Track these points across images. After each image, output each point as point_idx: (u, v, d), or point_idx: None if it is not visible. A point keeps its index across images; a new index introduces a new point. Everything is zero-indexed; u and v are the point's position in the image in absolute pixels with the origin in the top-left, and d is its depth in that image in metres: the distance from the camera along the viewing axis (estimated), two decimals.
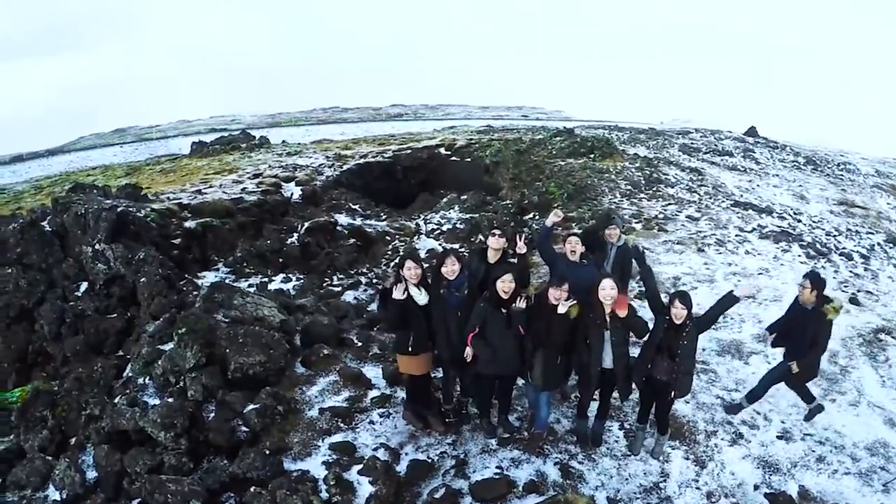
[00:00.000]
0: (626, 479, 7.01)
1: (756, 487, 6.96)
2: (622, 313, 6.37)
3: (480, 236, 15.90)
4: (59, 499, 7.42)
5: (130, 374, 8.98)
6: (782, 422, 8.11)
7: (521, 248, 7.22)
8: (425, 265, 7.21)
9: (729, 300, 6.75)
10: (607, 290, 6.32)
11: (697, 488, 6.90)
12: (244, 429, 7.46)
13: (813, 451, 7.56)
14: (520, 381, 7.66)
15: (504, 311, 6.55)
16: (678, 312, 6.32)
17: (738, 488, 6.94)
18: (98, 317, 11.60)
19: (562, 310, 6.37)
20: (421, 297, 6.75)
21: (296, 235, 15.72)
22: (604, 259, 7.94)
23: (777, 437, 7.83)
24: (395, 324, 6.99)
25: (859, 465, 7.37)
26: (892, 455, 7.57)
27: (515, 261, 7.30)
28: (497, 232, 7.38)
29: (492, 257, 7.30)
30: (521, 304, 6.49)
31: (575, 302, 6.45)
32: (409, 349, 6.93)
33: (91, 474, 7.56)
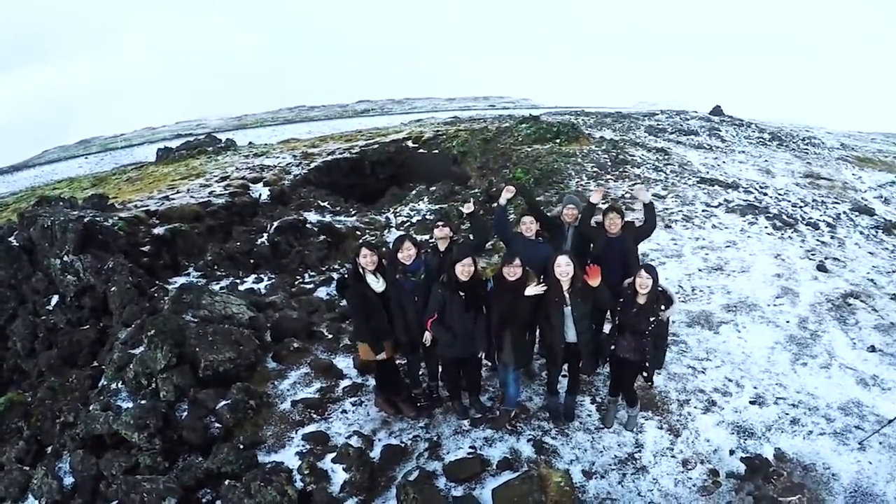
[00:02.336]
0: (601, 451, 7.11)
1: (732, 452, 7.08)
2: (595, 282, 6.43)
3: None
4: None
5: (104, 382, 8.97)
6: (754, 387, 8.24)
7: (469, 207, 7.53)
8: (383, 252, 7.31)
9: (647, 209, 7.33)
10: (563, 266, 6.38)
11: (673, 456, 7.02)
12: (217, 425, 7.52)
13: (786, 414, 7.68)
14: (487, 362, 7.78)
15: (462, 294, 6.61)
16: (642, 282, 6.37)
17: (713, 454, 7.06)
18: (71, 329, 11.57)
19: (530, 292, 6.46)
20: (378, 285, 6.80)
21: (265, 235, 15.67)
22: (561, 241, 7.99)
23: (750, 402, 7.95)
24: (356, 312, 7.01)
25: (834, 425, 7.49)
26: (867, 413, 7.69)
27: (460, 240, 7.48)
28: (441, 223, 7.54)
29: (441, 247, 7.43)
30: (536, 289, 6.52)
31: (544, 285, 6.56)
32: (369, 336, 6.97)
33: (68, 480, 7.57)
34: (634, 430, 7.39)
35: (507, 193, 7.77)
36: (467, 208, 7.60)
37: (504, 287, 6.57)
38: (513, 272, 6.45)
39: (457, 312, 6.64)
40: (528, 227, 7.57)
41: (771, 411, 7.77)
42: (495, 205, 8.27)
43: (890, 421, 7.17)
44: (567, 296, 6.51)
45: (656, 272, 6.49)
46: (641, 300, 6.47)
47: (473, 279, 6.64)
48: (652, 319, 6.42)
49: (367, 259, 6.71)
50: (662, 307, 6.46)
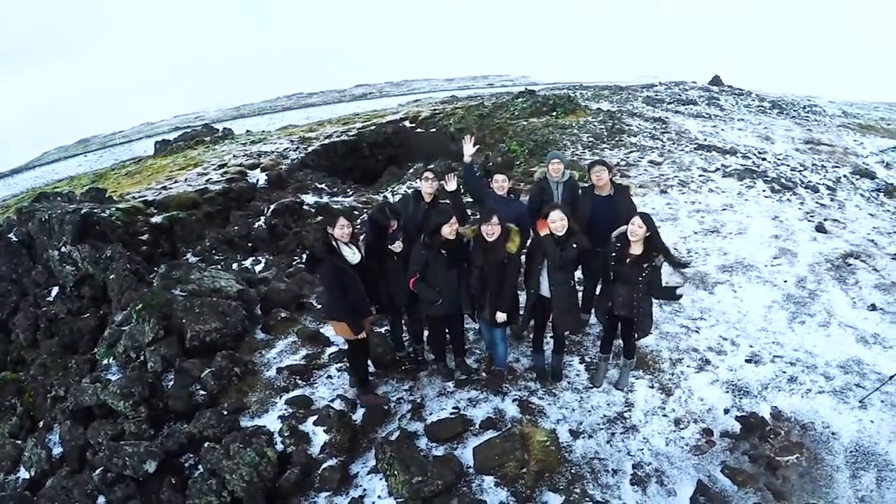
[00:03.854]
0: (589, 411, 7.00)
1: (726, 411, 6.98)
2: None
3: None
4: (28, 477, 7.49)
5: (97, 358, 9.09)
6: (750, 346, 8.13)
7: (451, 185, 7.34)
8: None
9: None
10: (557, 221, 6.24)
11: (664, 416, 6.91)
12: (202, 392, 7.54)
13: (784, 373, 7.56)
14: (473, 324, 7.72)
15: (444, 252, 6.53)
16: (634, 230, 6.13)
17: (707, 413, 6.96)
18: (71, 318, 11.60)
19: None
20: (354, 256, 6.54)
21: (262, 219, 15.64)
22: (552, 200, 7.78)
23: (745, 360, 7.84)
24: (332, 288, 6.64)
25: (833, 383, 7.38)
26: (867, 372, 7.57)
27: (448, 201, 7.38)
28: (430, 175, 7.39)
29: (427, 198, 7.32)
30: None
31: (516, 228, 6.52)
32: (348, 313, 6.68)
33: (57, 450, 7.64)
34: (625, 388, 7.29)
35: (469, 149, 7.68)
36: (450, 185, 7.47)
37: (483, 245, 6.49)
38: (491, 230, 6.36)
39: (440, 271, 6.58)
40: (501, 184, 7.50)
41: (767, 370, 7.65)
42: (462, 163, 8.13)
43: (892, 377, 7.02)
44: (552, 246, 6.38)
45: (652, 221, 6.24)
46: (636, 249, 6.25)
47: (456, 237, 6.57)
48: (645, 266, 6.20)
49: (343, 230, 6.47)
50: (656, 256, 6.21)
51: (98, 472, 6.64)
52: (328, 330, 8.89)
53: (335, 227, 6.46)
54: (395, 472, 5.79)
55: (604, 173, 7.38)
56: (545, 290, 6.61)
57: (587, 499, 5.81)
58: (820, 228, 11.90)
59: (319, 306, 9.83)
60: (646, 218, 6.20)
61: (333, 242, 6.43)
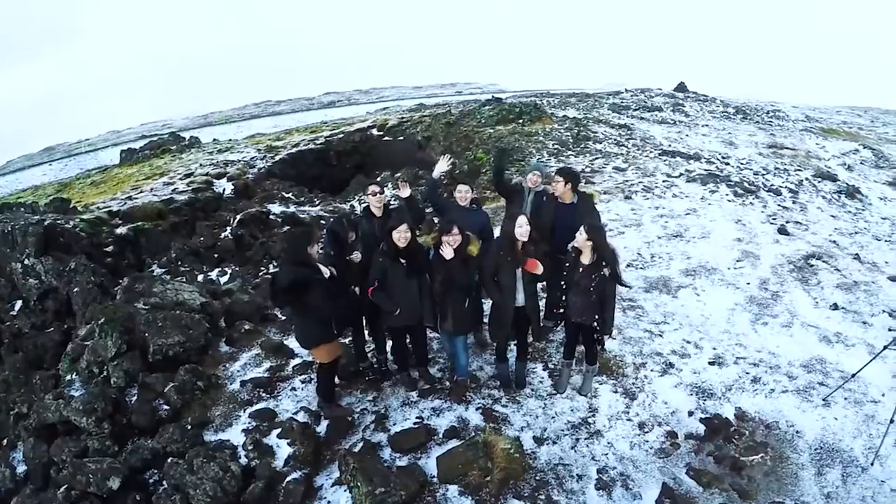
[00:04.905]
0: (553, 417, 7.00)
1: (690, 413, 7.00)
2: (538, 271, 6.34)
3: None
4: None
5: (60, 373, 8.94)
6: (714, 348, 8.18)
7: (405, 192, 7.33)
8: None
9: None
10: (523, 227, 6.28)
11: (629, 419, 6.92)
12: (165, 407, 7.47)
13: (747, 374, 7.61)
14: (435, 334, 7.75)
15: (403, 261, 6.51)
16: (578, 239, 6.27)
17: (671, 416, 6.98)
18: (35, 333, 11.41)
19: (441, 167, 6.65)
20: (326, 273, 6.39)
21: (228, 229, 15.56)
22: (520, 205, 7.85)
23: (709, 363, 7.87)
24: (325, 308, 6.41)
25: (797, 382, 7.43)
26: (830, 370, 7.63)
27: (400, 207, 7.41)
28: (375, 189, 7.38)
29: (377, 213, 7.29)
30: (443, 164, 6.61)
31: (473, 236, 6.59)
32: (335, 332, 6.65)
33: (21, 468, 7.59)
34: (589, 394, 7.30)
35: (443, 166, 7.69)
36: (403, 193, 7.44)
37: (441, 254, 6.49)
38: (453, 241, 6.40)
39: (398, 280, 6.55)
40: (464, 195, 7.50)
41: (731, 371, 7.70)
42: (427, 176, 8.16)
43: (854, 375, 7.08)
44: (520, 258, 6.41)
45: (599, 232, 6.35)
46: (586, 259, 6.33)
47: (413, 247, 6.55)
48: (594, 276, 6.27)
49: (318, 245, 6.44)
50: (605, 265, 6.27)
51: (62, 490, 6.54)
52: (292, 341, 8.83)
53: (314, 243, 6.35)
54: (359, 484, 5.74)
55: (559, 184, 7.42)
56: (521, 300, 6.61)
57: None
58: (782, 231, 12.06)
59: (284, 318, 9.81)
60: (591, 229, 6.29)
61: (314, 262, 6.32)
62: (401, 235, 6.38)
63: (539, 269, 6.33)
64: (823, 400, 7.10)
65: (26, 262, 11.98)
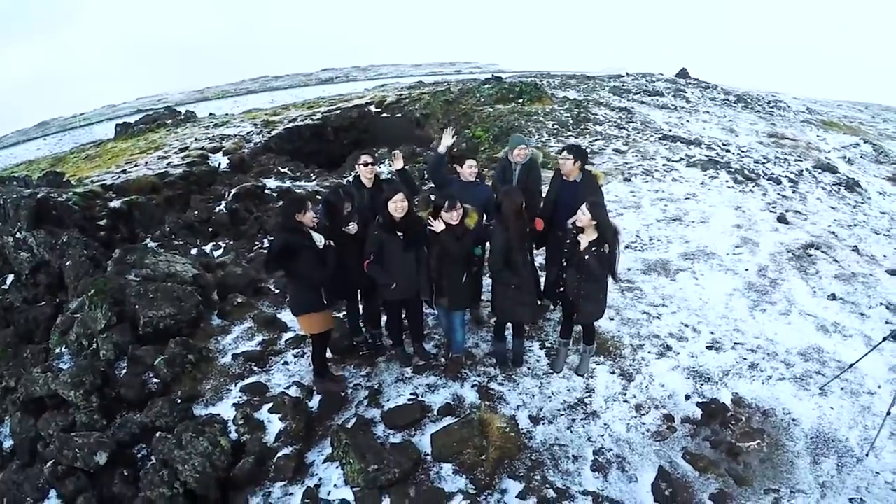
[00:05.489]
0: (549, 396, 6.96)
1: (687, 397, 6.99)
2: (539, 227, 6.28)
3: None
4: None
5: (49, 347, 8.82)
6: (711, 333, 8.14)
7: (398, 164, 7.27)
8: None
9: None
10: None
11: (625, 401, 6.90)
12: (155, 381, 7.35)
13: (745, 360, 7.60)
14: (431, 309, 7.63)
15: (399, 234, 6.41)
16: (579, 216, 6.11)
17: (668, 399, 6.96)
18: (27, 307, 11.24)
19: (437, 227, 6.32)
20: (320, 242, 6.26)
21: (223, 203, 15.38)
22: (510, 180, 7.80)
23: (707, 347, 7.85)
24: (314, 276, 6.30)
25: (793, 370, 7.43)
26: (827, 360, 7.64)
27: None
28: (368, 159, 7.24)
29: (367, 183, 7.17)
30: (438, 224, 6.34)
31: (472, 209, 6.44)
32: (325, 301, 6.54)
33: (8, 443, 7.48)
34: (586, 374, 7.24)
35: (448, 139, 7.56)
36: (396, 164, 7.36)
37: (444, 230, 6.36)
38: (455, 216, 6.29)
39: (395, 253, 6.45)
40: (472, 170, 7.44)
41: (728, 356, 7.67)
42: (432, 152, 8.04)
43: (851, 365, 7.07)
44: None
45: (600, 211, 6.18)
46: (590, 235, 6.19)
47: (410, 218, 6.44)
48: (594, 249, 6.14)
49: (311, 214, 6.25)
50: (605, 244, 6.17)
51: (49, 465, 6.44)
52: (285, 315, 8.75)
53: (305, 211, 6.19)
54: (351, 461, 5.68)
55: (567, 162, 7.28)
56: None
57: (547, 485, 5.77)
58: (782, 219, 11.96)
59: (277, 291, 9.69)
60: (594, 206, 6.16)
61: (305, 229, 6.19)
62: (397, 206, 6.28)
63: (542, 226, 6.37)
64: (820, 389, 7.10)
65: (18, 235, 11.80)
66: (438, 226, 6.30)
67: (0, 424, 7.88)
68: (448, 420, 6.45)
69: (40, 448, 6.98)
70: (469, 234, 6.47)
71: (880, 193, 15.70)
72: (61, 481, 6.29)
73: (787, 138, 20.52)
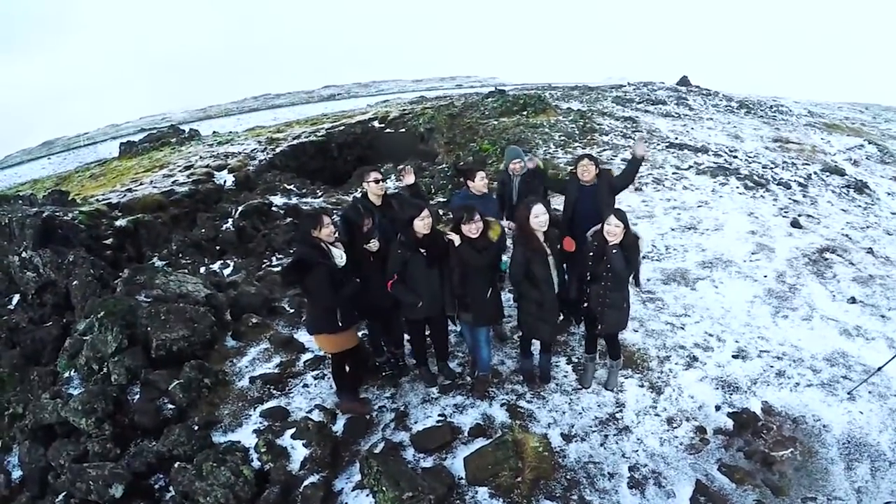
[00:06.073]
0: (580, 413, 6.81)
1: (718, 408, 6.90)
2: (571, 248, 6.14)
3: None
4: None
5: (59, 371, 8.54)
6: (736, 341, 8.08)
7: (409, 179, 7.30)
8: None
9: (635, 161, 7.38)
10: (540, 216, 6.01)
11: (657, 415, 6.79)
12: (170, 406, 7.10)
13: (771, 367, 7.54)
14: (454, 327, 7.40)
15: (423, 251, 6.25)
16: (611, 230, 5.95)
17: (698, 410, 6.86)
18: (33, 327, 11.04)
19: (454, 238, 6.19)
20: (341, 259, 6.11)
21: (230, 221, 15.25)
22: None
23: (733, 356, 7.78)
24: (328, 296, 6.09)
25: (820, 376, 7.37)
26: (853, 364, 7.57)
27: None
28: (378, 176, 7.05)
29: (376, 201, 6.99)
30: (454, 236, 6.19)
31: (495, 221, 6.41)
32: (340, 324, 6.29)
33: (17, 474, 7.24)
34: (615, 389, 7.11)
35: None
36: (408, 179, 7.34)
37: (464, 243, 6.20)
38: (475, 228, 6.13)
39: (419, 271, 6.28)
40: (484, 182, 7.43)
41: (755, 364, 7.61)
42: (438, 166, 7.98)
43: (879, 368, 7.05)
44: (546, 246, 6.15)
45: (626, 216, 6.10)
46: (616, 240, 6.03)
47: (433, 234, 6.29)
48: (616, 251, 6.02)
49: (329, 230, 6.07)
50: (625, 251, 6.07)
51: (61, 497, 6.23)
52: (302, 335, 8.55)
53: (321, 227, 6.02)
54: (384, 489, 5.42)
55: (591, 167, 7.30)
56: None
57: None
58: (795, 224, 11.95)
59: (292, 310, 9.49)
60: (620, 214, 6.07)
61: (323, 245, 6.02)
62: (424, 223, 6.14)
63: (573, 247, 6.17)
64: (848, 394, 7.04)
65: (24, 254, 11.61)
66: (456, 240, 6.14)
67: (8, 453, 7.63)
68: (480, 441, 6.27)
69: (51, 479, 6.76)
70: (492, 247, 6.31)
71: (889, 194, 15.79)
72: None
73: (793, 142, 20.50)
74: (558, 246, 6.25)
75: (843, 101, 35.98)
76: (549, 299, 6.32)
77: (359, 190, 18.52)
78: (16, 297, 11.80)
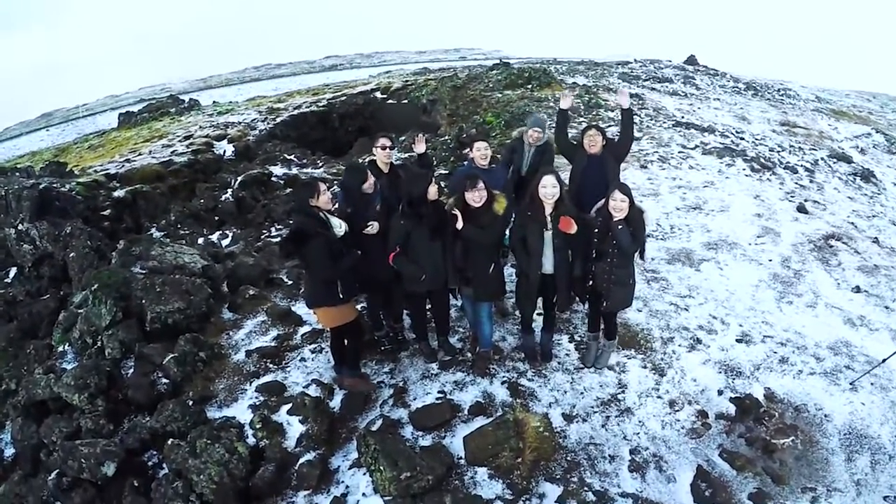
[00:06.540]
0: (581, 393, 6.72)
1: (720, 392, 6.81)
2: (572, 230, 5.91)
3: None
4: None
5: (52, 344, 8.51)
6: (740, 325, 7.94)
7: (420, 147, 7.18)
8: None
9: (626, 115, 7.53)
10: (549, 187, 5.84)
11: (658, 397, 6.70)
12: (164, 381, 7.02)
13: (775, 353, 7.43)
14: (455, 301, 7.31)
15: (425, 221, 6.12)
16: (616, 205, 5.80)
17: (701, 394, 6.77)
18: (30, 300, 10.93)
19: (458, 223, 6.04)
20: (340, 229, 5.96)
21: (229, 191, 15.14)
22: (521, 161, 7.76)
23: (736, 340, 7.66)
24: (326, 267, 5.94)
25: (823, 364, 7.26)
26: (856, 354, 7.46)
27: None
28: (387, 143, 6.88)
29: (384, 168, 6.86)
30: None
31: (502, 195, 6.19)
32: (341, 296, 6.15)
33: (9, 451, 7.16)
34: (615, 368, 7.02)
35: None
36: (419, 147, 7.21)
37: (464, 213, 6.05)
38: (478, 196, 5.96)
39: (422, 243, 6.15)
40: (483, 153, 7.15)
41: (758, 350, 7.49)
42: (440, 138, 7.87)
43: (883, 360, 6.93)
44: (549, 220, 5.98)
45: (630, 191, 5.94)
46: (622, 215, 5.89)
47: (435, 205, 6.15)
48: (622, 226, 5.87)
49: (326, 197, 5.94)
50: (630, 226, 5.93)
51: (53, 476, 6.13)
52: (300, 308, 8.42)
53: (318, 195, 5.88)
54: (381, 468, 5.33)
55: (598, 138, 7.24)
56: (549, 267, 6.17)
57: (585, 488, 5.55)
58: (801, 209, 11.77)
59: (290, 282, 9.37)
60: (625, 189, 5.94)
61: (322, 214, 5.88)
62: (435, 188, 6.09)
63: (573, 229, 5.87)
64: (851, 384, 6.95)
65: (20, 227, 11.50)
66: (459, 222, 6.00)
67: (0, 430, 7.54)
68: (480, 420, 6.18)
69: (43, 456, 6.68)
70: (497, 222, 6.16)
71: (895, 184, 15.47)
72: (67, 494, 5.98)
73: (800, 127, 20.27)
74: (558, 225, 6.02)
75: (850, 88, 35.69)
76: (534, 274, 6.20)
77: (366, 158, 18.49)
78: (13, 270, 11.75)
